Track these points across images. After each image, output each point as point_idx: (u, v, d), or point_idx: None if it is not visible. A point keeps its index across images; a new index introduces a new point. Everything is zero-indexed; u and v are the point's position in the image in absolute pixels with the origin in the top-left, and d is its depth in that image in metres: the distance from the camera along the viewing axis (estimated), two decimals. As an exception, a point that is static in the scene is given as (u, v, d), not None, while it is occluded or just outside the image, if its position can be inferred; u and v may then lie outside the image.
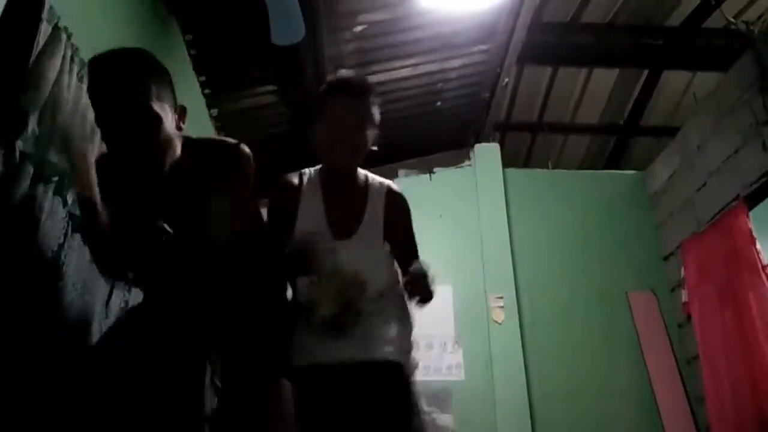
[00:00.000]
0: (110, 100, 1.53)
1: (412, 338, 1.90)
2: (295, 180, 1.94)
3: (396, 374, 1.76)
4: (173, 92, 1.68)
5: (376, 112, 1.88)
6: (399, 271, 1.92)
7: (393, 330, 1.83)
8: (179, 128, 1.67)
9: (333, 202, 1.88)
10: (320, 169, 1.96)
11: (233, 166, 1.72)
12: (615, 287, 4.58)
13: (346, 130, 1.82)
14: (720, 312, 3.75)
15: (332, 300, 1.75)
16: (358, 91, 1.87)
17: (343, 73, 1.96)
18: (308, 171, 1.96)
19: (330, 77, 1.95)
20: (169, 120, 1.61)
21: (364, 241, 1.85)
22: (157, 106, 1.55)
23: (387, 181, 1.99)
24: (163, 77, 1.65)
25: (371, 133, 1.86)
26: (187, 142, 1.73)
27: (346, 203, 1.89)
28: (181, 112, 1.69)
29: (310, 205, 1.88)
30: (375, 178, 1.98)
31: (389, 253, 1.93)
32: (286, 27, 1.90)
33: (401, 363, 1.79)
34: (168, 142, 1.61)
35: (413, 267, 1.78)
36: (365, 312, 1.77)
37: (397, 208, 1.94)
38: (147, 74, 1.58)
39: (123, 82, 1.53)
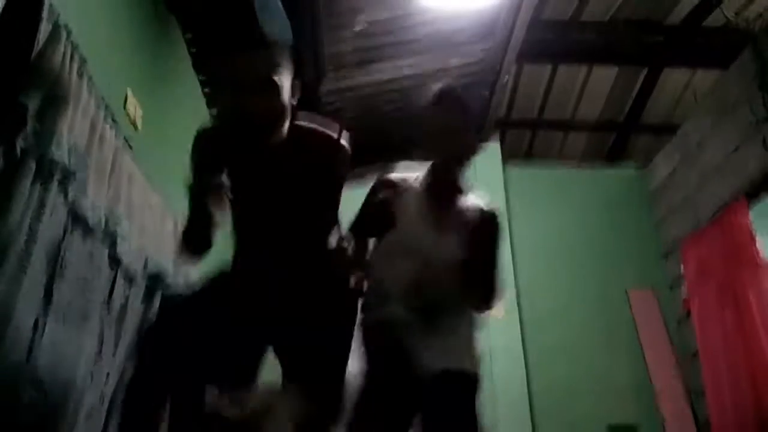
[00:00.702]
0: (239, 71, 1.65)
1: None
2: (398, 181, 2.02)
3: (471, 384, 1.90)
4: (291, 68, 1.75)
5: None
6: None
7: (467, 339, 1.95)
8: (294, 99, 1.75)
9: (433, 205, 1.95)
10: (424, 176, 2.01)
11: (342, 166, 1.82)
12: (615, 284, 4.59)
13: (454, 136, 1.90)
14: (720, 309, 3.75)
15: (428, 288, 1.83)
16: (465, 102, 1.98)
17: (447, 84, 2.03)
18: (410, 176, 2.02)
19: (436, 88, 2.01)
20: (286, 90, 1.69)
21: (458, 240, 1.89)
22: (276, 77, 1.65)
23: (483, 201, 2.05)
24: (285, 55, 1.73)
25: (476, 141, 1.98)
26: (294, 125, 1.79)
27: (444, 207, 1.95)
28: (295, 88, 1.76)
29: (411, 206, 1.95)
30: (473, 195, 2.05)
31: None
32: (274, 29, 1.92)
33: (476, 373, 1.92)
34: (283, 109, 1.69)
35: None
36: (446, 306, 1.86)
37: (488, 226, 1.99)
38: (270, 46, 1.70)
39: (251, 55, 1.66)
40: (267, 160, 1.73)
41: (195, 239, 1.82)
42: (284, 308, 1.71)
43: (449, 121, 1.90)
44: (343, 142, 1.80)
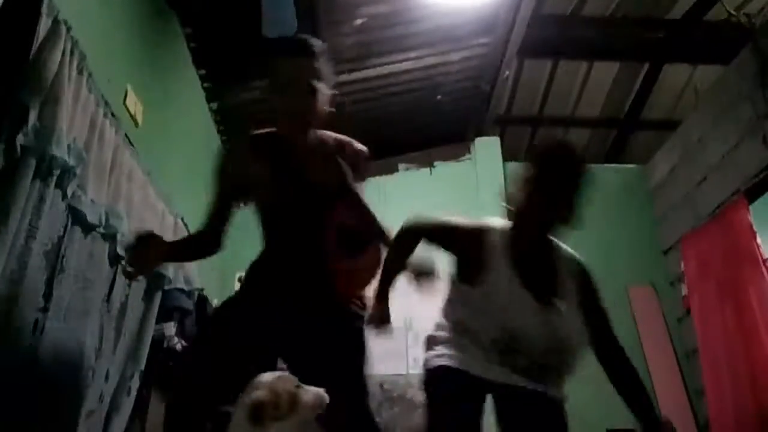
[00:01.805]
0: (287, 71, 1.78)
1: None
2: (483, 229, 1.88)
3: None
4: (331, 79, 1.87)
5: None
6: None
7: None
8: (329, 107, 1.85)
9: (522, 264, 1.82)
10: (509, 231, 1.88)
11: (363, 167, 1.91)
12: (615, 281, 4.58)
13: (556, 196, 1.80)
14: (720, 306, 3.75)
15: (537, 355, 1.76)
16: (569, 161, 1.87)
17: (555, 139, 1.99)
18: (494, 224, 1.90)
19: (543, 145, 1.95)
20: (323, 96, 1.81)
21: (568, 313, 1.80)
22: (317, 83, 1.78)
23: (574, 254, 1.97)
24: (327, 65, 1.85)
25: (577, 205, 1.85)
26: (323, 133, 1.91)
27: (537, 267, 1.84)
28: (332, 97, 1.87)
29: (499, 260, 1.81)
30: (562, 246, 1.95)
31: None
32: (278, 19, 1.94)
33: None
34: (318, 112, 1.80)
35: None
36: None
37: (589, 282, 1.93)
38: (315, 58, 1.80)
39: (299, 59, 1.79)
40: (296, 164, 1.81)
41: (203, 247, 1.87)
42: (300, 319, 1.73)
43: (558, 184, 1.81)
44: (364, 147, 1.91)
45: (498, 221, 1.91)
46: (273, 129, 1.89)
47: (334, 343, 1.71)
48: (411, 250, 1.93)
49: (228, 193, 1.84)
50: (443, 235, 1.92)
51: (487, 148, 4.99)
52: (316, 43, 1.82)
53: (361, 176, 1.89)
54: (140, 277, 2.45)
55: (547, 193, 1.78)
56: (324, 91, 1.80)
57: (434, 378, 1.80)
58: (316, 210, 1.74)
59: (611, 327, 1.93)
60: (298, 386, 1.45)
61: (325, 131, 1.91)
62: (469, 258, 1.84)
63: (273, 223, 1.83)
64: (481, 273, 1.79)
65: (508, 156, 5.06)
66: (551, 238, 1.89)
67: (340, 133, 1.96)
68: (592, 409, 4.14)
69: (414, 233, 1.93)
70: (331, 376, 1.61)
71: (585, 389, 4.15)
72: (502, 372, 1.75)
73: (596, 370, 4.34)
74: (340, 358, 1.72)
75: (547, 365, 1.78)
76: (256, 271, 1.82)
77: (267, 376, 1.43)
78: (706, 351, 3.85)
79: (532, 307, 1.75)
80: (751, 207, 3.69)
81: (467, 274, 1.84)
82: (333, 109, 1.86)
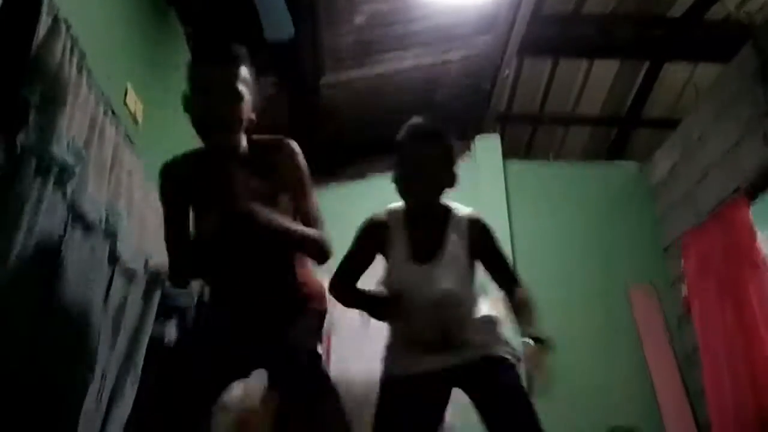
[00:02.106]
0: (208, 77, 1.78)
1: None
2: (383, 218, 2.05)
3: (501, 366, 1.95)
4: (255, 89, 1.89)
5: (450, 151, 1.99)
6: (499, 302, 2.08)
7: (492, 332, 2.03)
8: (251, 118, 1.86)
9: (416, 236, 1.99)
10: (404, 209, 2.04)
11: (300, 163, 1.93)
12: (615, 280, 4.58)
13: (418, 168, 1.93)
14: (720, 305, 3.75)
15: (433, 327, 1.92)
16: (430, 134, 1.98)
17: (417, 120, 2.04)
18: (394, 207, 2.06)
19: (408, 125, 2.04)
20: (247, 103, 1.82)
21: (450, 266, 1.94)
22: (241, 88, 1.79)
23: (468, 210, 2.07)
24: (251, 70, 1.86)
25: (449, 171, 1.98)
26: (250, 139, 1.91)
27: (428, 235, 1.99)
28: (257, 108, 1.89)
29: (396, 243, 2.00)
30: (458, 208, 2.06)
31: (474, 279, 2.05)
32: (276, 24, 1.96)
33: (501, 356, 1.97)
34: (242, 118, 1.81)
35: (521, 297, 2.01)
36: (467, 331, 1.95)
37: (481, 235, 2.03)
38: (239, 64, 1.82)
39: (221, 65, 1.79)
40: (229, 176, 1.80)
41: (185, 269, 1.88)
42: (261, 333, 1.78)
43: (417, 157, 1.94)
44: (290, 141, 1.92)
45: (394, 205, 2.06)
46: (192, 151, 1.91)
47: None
48: (353, 293, 2.07)
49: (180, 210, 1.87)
50: (359, 259, 2.07)
51: (488, 145, 4.98)
52: (239, 49, 1.83)
53: (302, 171, 1.92)
54: (139, 276, 2.45)
55: (406, 174, 1.94)
56: (247, 97, 1.80)
57: (381, 392, 1.99)
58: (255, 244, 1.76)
59: (508, 266, 2.08)
60: (264, 394, 1.47)
61: (254, 137, 1.90)
62: (380, 249, 2.03)
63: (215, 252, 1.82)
64: (388, 259, 2.01)
65: (508, 154, 5.06)
66: (441, 204, 2.02)
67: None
68: (593, 409, 4.15)
69: (338, 286, 2.06)
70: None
71: (586, 389, 4.17)
72: (428, 360, 1.93)
73: (597, 370, 4.31)
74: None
75: (447, 330, 1.93)
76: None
77: (233, 395, 1.45)
78: (707, 351, 3.84)
79: (413, 269, 1.94)
80: (751, 206, 3.68)
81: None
82: (254, 117, 1.86)
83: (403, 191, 1.96)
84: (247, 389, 1.50)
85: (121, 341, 2.33)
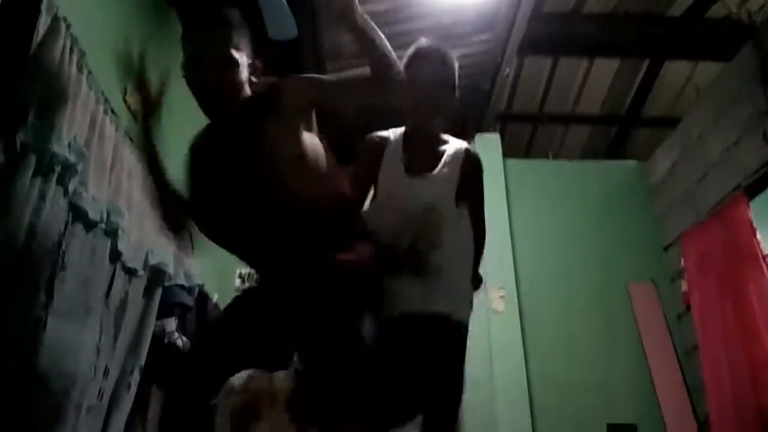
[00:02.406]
0: (199, 44, 1.70)
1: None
2: (385, 134, 2.09)
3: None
4: (250, 49, 1.79)
5: (455, 77, 2.04)
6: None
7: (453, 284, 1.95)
8: (251, 80, 1.77)
9: (412, 155, 2.02)
10: (404, 131, 2.09)
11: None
12: (615, 277, 4.59)
13: (426, 92, 1.97)
14: (720, 302, 3.75)
15: (409, 234, 1.88)
16: (439, 58, 2.04)
17: (424, 42, 2.09)
18: (393, 132, 2.09)
19: (415, 46, 2.09)
20: (244, 67, 1.73)
21: (440, 182, 1.97)
22: (235, 53, 1.70)
23: (465, 144, 2.10)
24: (245, 34, 1.78)
25: (451, 96, 2.03)
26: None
27: (423, 155, 2.02)
28: (255, 67, 1.80)
29: (392, 158, 2.03)
30: (455, 141, 2.10)
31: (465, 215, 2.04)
32: (279, 24, 1.92)
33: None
34: (240, 85, 1.72)
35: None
36: (442, 249, 1.89)
37: (472, 167, 2.04)
38: (231, 26, 1.73)
39: (211, 29, 1.71)
40: (229, 142, 1.71)
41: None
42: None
43: (420, 79, 1.96)
44: (280, 83, 1.74)
45: (396, 130, 2.10)
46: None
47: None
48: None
49: None
50: (362, 172, 2.07)
51: (488, 144, 4.99)
52: (231, 13, 1.75)
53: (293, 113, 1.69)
54: (140, 273, 2.46)
55: (413, 97, 1.96)
56: (244, 61, 1.72)
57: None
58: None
59: (482, 207, 2.10)
60: (270, 379, 1.45)
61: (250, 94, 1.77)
62: (378, 162, 2.04)
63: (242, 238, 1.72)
64: (382, 171, 2.03)
65: (508, 153, 5.07)
66: (439, 134, 2.07)
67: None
68: (592, 405, 4.16)
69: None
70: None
71: (586, 386, 4.18)
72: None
73: (598, 367, 4.33)
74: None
75: (420, 238, 1.89)
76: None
77: (238, 379, 1.43)
78: (706, 347, 3.85)
79: (404, 181, 1.97)
80: (751, 204, 3.69)
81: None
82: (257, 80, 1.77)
83: (408, 112, 2.01)
84: (252, 373, 1.48)
85: (123, 339, 2.33)
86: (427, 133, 2.06)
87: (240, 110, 1.70)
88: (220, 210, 1.70)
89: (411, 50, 2.07)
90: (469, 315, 1.99)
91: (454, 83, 2.03)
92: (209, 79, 1.67)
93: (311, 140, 1.72)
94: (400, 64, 1.75)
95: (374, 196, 2.07)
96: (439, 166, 2.00)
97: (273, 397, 1.45)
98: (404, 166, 2.01)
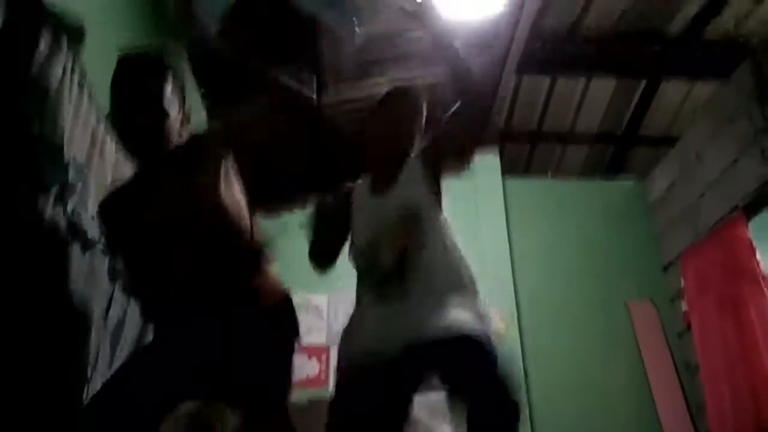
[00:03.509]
0: (130, 93, 1.71)
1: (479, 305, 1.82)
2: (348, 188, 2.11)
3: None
4: (183, 98, 1.82)
5: (415, 118, 2.04)
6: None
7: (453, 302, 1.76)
8: (181, 129, 1.80)
9: (375, 179, 2.01)
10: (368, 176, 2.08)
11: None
12: (615, 297, 4.58)
13: (384, 138, 2.00)
14: (720, 321, 3.74)
15: (389, 243, 1.79)
16: (396, 103, 2.05)
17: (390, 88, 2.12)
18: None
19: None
20: (174, 118, 1.75)
21: (407, 187, 1.91)
22: (166, 104, 1.72)
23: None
24: (177, 84, 1.80)
25: (410, 135, 2.02)
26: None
27: (386, 170, 1.99)
28: (184, 118, 1.82)
29: (359, 194, 2.04)
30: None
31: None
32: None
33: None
34: (169, 135, 1.74)
35: None
36: (423, 259, 1.79)
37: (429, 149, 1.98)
38: (164, 77, 1.74)
39: (143, 79, 1.72)
40: (157, 189, 1.73)
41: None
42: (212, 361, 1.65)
43: (387, 121, 2.00)
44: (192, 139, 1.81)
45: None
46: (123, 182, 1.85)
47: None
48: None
49: None
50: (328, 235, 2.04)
51: (487, 162, 5.00)
52: (165, 62, 1.77)
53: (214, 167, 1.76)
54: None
55: (369, 134, 2.04)
56: (175, 113, 1.75)
57: None
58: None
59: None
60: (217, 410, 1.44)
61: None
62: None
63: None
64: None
65: (507, 171, 5.08)
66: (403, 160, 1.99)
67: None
68: (593, 424, 4.13)
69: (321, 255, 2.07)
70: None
71: (587, 404, 4.15)
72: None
73: (598, 385, 4.31)
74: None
75: (404, 251, 1.78)
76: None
77: (190, 407, 1.41)
78: (707, 367, 3.84)
79: (371, 202, 1.95)
80: (750, 222, 3.69)
81: None
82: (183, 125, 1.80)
83: (369, 159, 2.03)
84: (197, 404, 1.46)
85: (120, 358, 2.31)
86: (393, 166, 1.99)
87: (165, 161, 1.74)
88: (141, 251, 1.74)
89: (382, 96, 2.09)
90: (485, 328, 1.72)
91: (413, 123, 2.02)
92: (140, 130, 1.70)
93: (228, 187, 1.77)
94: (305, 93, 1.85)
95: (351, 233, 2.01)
96: (403, 170, 1.94)
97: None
98: (369, 189, 2.00)
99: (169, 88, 1.74)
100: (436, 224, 1.88)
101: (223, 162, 1.79)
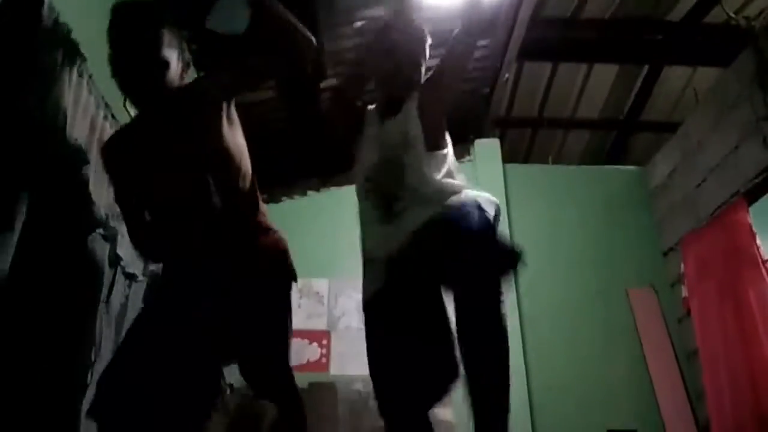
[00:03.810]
0: (128, 44, 1.71)
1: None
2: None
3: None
4: (181, 48, 1.83)
5: (421, 44, 2.07)
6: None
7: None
8: (181, 77, 1.82)
9: (383, 112, 2.04)
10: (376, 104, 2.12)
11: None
12: (615, 283, 4.59)
13: (390, 61, 2.00)
14: (720, 307, 3.75)
15: (388, 171, 1.86)
16: (401, 27, 2.08)
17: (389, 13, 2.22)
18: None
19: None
20: (174, 67, 1.77)
21: (408, 117, 1.93)
22: (165, 53, 1.73)
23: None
24: (174, 32, 1.80)
25: (417, 62, 2.04)
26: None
27: (391, 103, 2.02)
28: (185, 66, 1.84)
29: (369, 122, 2.07)
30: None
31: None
32: (230, 15, 1.89)
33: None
34: (169, 84, 1.76)
35: None
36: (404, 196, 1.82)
37: (428, 85, 2.00)
38: (161, 26, 1.75)
39: (141, 29, 1.73)
40: (158, 138, 1.76)
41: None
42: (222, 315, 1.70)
43: (382, 49, 2.03)
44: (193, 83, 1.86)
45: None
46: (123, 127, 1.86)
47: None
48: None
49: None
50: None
51: (487, 149, 5.00)
52: (161, 11, 1.78)
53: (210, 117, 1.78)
54: (140, 278, 2.46)
55: (368, 67, 2.11)
56: (174, 61, 1.77)
57: None
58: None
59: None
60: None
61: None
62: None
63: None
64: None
65: (508, 157, 5.07)
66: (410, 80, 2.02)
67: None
68: (593, 410, 4.15)
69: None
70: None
71: (586, 391, 4.18)
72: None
73: (598, 372, 4.33)
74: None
75: (393, 192, 1.84)
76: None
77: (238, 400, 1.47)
78: (706, 352, 3.85)
79: (375, 129, 1.99)
80: (750, 209, 3.69)
81: None
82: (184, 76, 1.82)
83: (376, 83, 2.06)
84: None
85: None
86: (396, 99, 2.02)
87: (165, 107, 1.76)
88: (147, 196, 1.77)
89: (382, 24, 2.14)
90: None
91: (420, 50, 2.06)
92: (139, 78, 1.71)
93: (231, 131, 1.80)
94: (306, 32, 1.83)
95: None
96: (406, 102, 1.97)
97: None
98: (377, 118, 2.04)
99: (166, 36, 1.75)
100: (434, 156, 1.90)
101: (225, 106, 1.81)
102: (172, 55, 1.76)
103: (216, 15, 1.82)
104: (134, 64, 1.70)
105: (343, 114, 2.15)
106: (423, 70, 2.05)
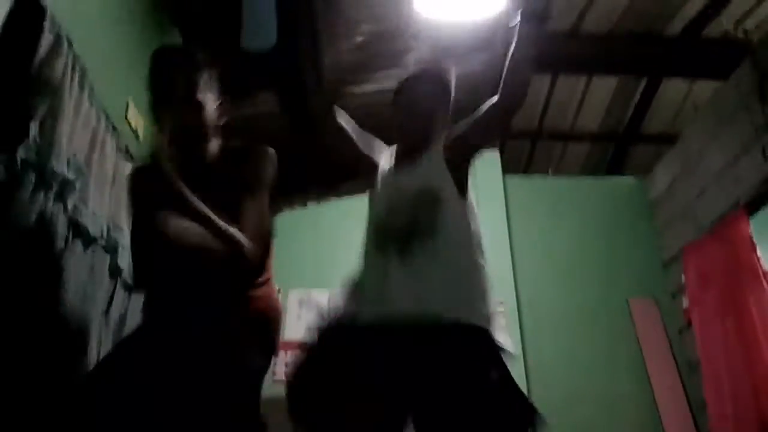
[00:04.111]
0: (167, 87, 1.75)
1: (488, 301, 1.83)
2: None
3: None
4: (217, 88, 1.86)
5: (447, 94, 2.08)
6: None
7: (463, 283, 1.80)
8: (220, 118, 1.85)
9: (401, 152, 2.05)
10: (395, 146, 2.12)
11: (261, 167, 1.87)
12: (616, 294, 4.58)
13: (414, 113, 2.01)
14: (721, 318, 3.75)
15: (404, 214, 1.82)
16: (429, 77, 2.10)
17: (420, 61, 2.20)
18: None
19: (410, 69, 2.16)
20: (210, 108, 1.80)
21: (429, 166, 1.91)
22: (200, 96, 1.77)
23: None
24: (209, 76, 1.83)
25: (442, 112, 2.04)
26: (226, 147, 1.87)
27: (412, 149, 2.00)
28: (222, 106, 1.87)
29: (386, 161, 2.08)
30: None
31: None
32: (258, 32, 1.92)
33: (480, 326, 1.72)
34: (208, 126, 1.80)
35: None
36: (435, 234, 1.77)
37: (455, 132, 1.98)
38: (197, 71, 1.79)
39: (177, 74, 1.76)
40: (200, 182, 1.72)
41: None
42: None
43: (408, 100, 2.04)
44: (264, 147, 1.91)
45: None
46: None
47: None
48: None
49: None
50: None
51: (487, 161, 5.00)
52: (196, 54, 1.81)
53: (259, 173, 1.84)
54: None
55: (396, 109, 2.08)
56: (210, 103, 1.79)
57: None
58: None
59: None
60: None
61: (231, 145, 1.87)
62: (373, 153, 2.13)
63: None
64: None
65: (508, 169, 5.08)
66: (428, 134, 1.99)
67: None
68: (594, 421, 4.13)
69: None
70: None
71: (587, 401, 4.16)
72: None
73: (599, 383, 4.29)
74: None
75: (416, 220, 1.79)
76: None
77: None
78: (708, 363, 3.84)
79: (393, 173, 1.98)
80: (751, 220, 3.70)
81: None
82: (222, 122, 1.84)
83: (397, 132, 2.05)
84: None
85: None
86: (417, 147, 2.00)
87: (212, 165, 1.80)
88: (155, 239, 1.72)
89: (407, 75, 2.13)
90: (486, 320, 1.75)
91: (445, 100, 2.05)
92: (176, 121, 1.72)
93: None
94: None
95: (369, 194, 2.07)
96: (427, 151, 1.95)
97: None
98: (394, 163, 2.02)
99: (203, 80, 1.79)
100: (457, 207, 1.89)
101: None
102: (208, 98, 1.80)
103: (245, 31, 1.86)
104: (171, 106, 1.73)
105: (341, 136, 2.19)
106: (444, 121, 2.04)
